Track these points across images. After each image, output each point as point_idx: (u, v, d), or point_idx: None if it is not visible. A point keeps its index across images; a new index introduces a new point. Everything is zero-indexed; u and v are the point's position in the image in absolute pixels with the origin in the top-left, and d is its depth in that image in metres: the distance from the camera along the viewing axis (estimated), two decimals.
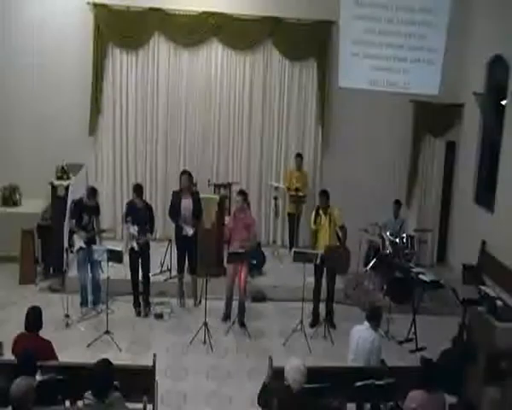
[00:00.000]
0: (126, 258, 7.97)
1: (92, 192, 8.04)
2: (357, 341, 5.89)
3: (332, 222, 7.93)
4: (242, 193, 8.15)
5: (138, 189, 8.08)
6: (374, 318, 5.89)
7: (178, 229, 8.27)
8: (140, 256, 8.08)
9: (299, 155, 10.29)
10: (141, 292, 8.28)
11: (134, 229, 7.94)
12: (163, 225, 10.25)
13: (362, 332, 5.91)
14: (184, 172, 8.38)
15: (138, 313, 8.22)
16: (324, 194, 8.07)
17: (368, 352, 5.78)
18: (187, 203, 8.24)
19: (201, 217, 8.43)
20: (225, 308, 8.19)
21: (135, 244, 7.98)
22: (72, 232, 8.07)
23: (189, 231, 8.15)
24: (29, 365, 4.69)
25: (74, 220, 8.00)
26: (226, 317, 8.17)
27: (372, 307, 6.25)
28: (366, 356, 5.79)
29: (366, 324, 5.88)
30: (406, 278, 8.48)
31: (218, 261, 8.92)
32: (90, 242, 8.00)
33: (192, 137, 10.55)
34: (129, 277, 8.28)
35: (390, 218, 9.59)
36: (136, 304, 8.26)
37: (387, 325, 7.86)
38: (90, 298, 8.17)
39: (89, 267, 8.08)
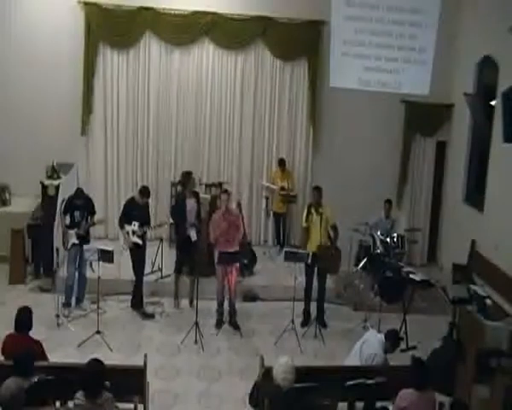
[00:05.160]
0: (118, 258, 7.92)
1: (77, 192, 8.08)
2: (364, 343, 5.88)
3: (323, 221, 7.94)
4: (227, 192, 8.09)
5: (145, 191, 8.07)
6: (388, 339, 5.80)
7: (182, 230, 8.23)
8: (140, 252, 8.08)
9: (281, 161, 10.31)
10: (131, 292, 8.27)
11: (134, 224, 7.95)
12: (153, 224, 10.20)
13: (373, 339, 5.88)
14: (191, 174, 8.37)
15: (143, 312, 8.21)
16: (317, 190, 8.04)
17: (365, 359, 5.78)
18: (192, 205, 8.23)
19: (201, 218, 8.42)
20: (218, 314, 8.05)
21: (137, 239, 7.99)
22: (66, 229, 8.05)
23: (194, 235, 8.15)
24: (26, 366, 4.67)
25: (68, 217, 7.98)
26: (219, 323, 8.01)
27: (392, 329, 6.13)
28: (362, 362, 5.80)
29: (382, 338, 5.86)
30: (397, 278, 8.50)
31: (210, 261, 8.90)
32: (82, 240, 7.98)
33: (183, 136, 10.53)
34: (122, 277, 8.25)
35: (381, 217, 9.63)
36: (140, 302, 8.22)
37: (378, 325, 7.90)
38: (73, 299, 8.17)
39: (77, 265, 8.06)
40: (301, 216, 8.35)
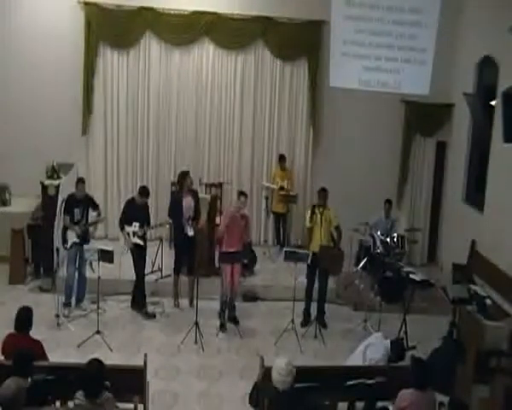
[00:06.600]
0: (118, 258, 7.90)
1: (79, 181, 8.07)
2: (369, 346, 5.87)
3: (326, 221, 7.95)
4: (245, 194, 8.07)
5: (144, 190, 8.07)
6: (393, 350, 5.78)
7: (179, 229, 8.22)
8: (140, 252, 8.08)
9: (282, 156, 10.31)
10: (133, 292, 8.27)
11: (135, 225, 7.95)
12: (154, 224, 10.20)
13: (378, 344, 5.86)
14: (187, 173, 8.38)
15: (146, 312, 8.20)
16: (323, 191, 8.05)
17: (368, 363, 5.78)
18: (188, 202, 8.22)
19: (200, 216, 8.41)
20: (221, 317, 8.01)
21: (138, 240, 7.99)
22: (65, 228, 8.04)
23: (190, 230, 8.14)
24: (25, 365, 4.67)
25: (68, 216, 7.97)
26: (223, 326, 7.97)
27: (398, 340, 6.17)
28: (365, 363, 5.80)
29: (388, 344, 5.84)
30: (397, 278, 8.51)
31: (210, 261, 8.91)
32: (83, 239, 7.98)
33: (183, 136, 10.54)
34: (122, 277, 8.28)
35: (381, 217, 9.63)
36: (142, 302, 8.21)
37: (378, 325, 7.90)
38: (73, 299, 8.17)
39: (77, 265, 8.06)
40: (303, 216, 8.36)
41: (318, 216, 7.96)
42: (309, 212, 8.12)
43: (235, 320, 8.07)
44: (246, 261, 9.14)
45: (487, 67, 9.42)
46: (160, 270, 8.97)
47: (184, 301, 8.53)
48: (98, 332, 7.38)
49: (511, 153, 7.99)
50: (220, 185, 10.26)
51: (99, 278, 7.47)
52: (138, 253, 8.08)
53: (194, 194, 8.41)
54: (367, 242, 9.57)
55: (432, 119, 10.55)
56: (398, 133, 10.69)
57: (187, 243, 8.22)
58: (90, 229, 8.18)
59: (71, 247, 7.98)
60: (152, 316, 8.18)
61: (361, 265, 9.32)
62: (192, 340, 7.53)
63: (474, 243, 9.24)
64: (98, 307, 7.58)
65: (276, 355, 6.51)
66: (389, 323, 8.02)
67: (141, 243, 8.03)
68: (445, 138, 10.70)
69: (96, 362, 4.61)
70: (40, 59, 9.89)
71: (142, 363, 5.48)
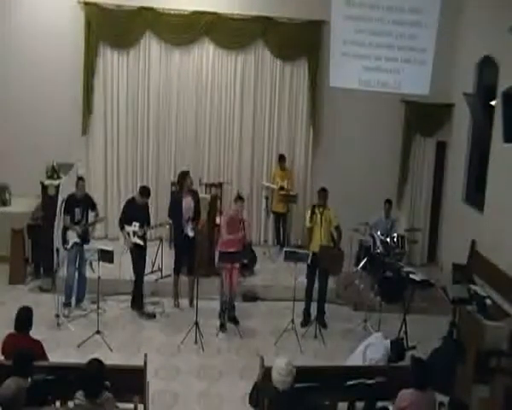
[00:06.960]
0: (118, 258, 7.90)
1: (79, 180, 8.08)
2: (369, 346, 5.88)
3: (326, 221, 7.96)
4: (242, 199, 8.08)
5: (145, 190, 8.08)
6: (393, 350, 5.79)
7: (179, 229, 8.23)
8: (140, 252, 8.08)
9: (281, 157, 10.32)
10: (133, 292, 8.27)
11: (135, 225, 7.95)
12: (154, 224, 10.20)
13: (379, 343, 5.87)
14: (187, 173, 8.38)
15: (144, 313, 8.20)
16: (324, 191, 8.06)
17: (368, 363, 5.78)
18: (188, 203, 8.23)
19: (200, 217, 8.42)
20: (221, 317, 8.01)
21: (138, 240, 7.99)
22: (65, 228, 8.04)
23: (191, 231, 8.14)
24: (25, 365, 4.67)
25: (68, 216, 7.97)
26: (223, 326, 7.96)
27: (398, 340, 6.19)
28: (365, 363, 5.80)
29: (388, 344, 5.84)
30: (397, 278, 8.51)
31: (210, 261, 8.91)
32: (83, 239, 7.98)
33: (183, 136, 10.54)
34: (122, 277, 8.28)
35: (381, 217, 9.63)
36: (140, 303, 8.22)
37: (378, 325, 7.90)
38: (73, 299, 8.17)
39: (77, 265, 8.06)
40: (303, 216, 8.37)
41: (318, 216, 7.97)
42: (309, 212, 8.14)
43: (235, 320, 8.08)
44: (246, 261, 9.15)
45: (487, 67, 9.42)
46: (160, 270, 8.97)
47: (184, 301, 8.53)
48: (98, 332, 7.38)
49: (511, 153, 8.00)
50: (220, 185, 10.26)
51: (99, 278, 7.47)
52: (138, 253, 8.09)
53: (195, 194, 8.41)
54: (367, 242, 9.56)
55: (432, 119, 10.55)
56: (398, 133, 10.69)
57: (187, 243, 8.23)
58: (90, 229, 8.19)
59: (71, 247, 7.99)
60: (151, 316, 8.18)
61: (361, 265, 9.32)
62: (192, 340, 7.53)
63: (474, 243, 9.24)
64: (98, 307, 7.57)
65: (276, 355, 6.50)
66: (389, 323, 8.02)
67: (141, 242, 8.03)
68: (445, 138, 10.70)
69: (96, 362, 4.61)
70: (40, 57, 9.89)
71: (142, 363, 5.47)
